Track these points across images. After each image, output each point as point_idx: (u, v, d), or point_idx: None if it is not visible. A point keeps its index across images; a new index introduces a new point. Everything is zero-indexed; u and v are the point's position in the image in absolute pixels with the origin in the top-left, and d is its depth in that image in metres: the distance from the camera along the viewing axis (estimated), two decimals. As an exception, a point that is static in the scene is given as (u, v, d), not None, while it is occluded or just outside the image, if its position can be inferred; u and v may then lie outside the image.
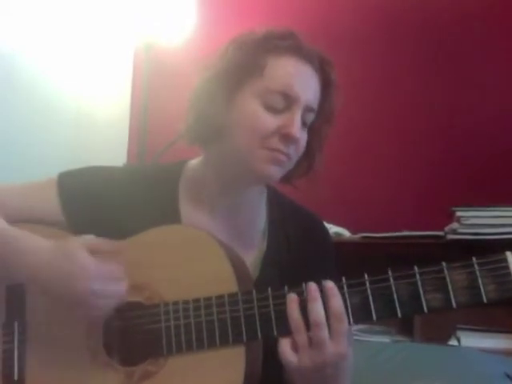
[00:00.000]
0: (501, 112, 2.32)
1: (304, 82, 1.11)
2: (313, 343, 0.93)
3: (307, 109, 1.11)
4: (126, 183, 1.18)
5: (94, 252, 1.01)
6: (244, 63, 1.10)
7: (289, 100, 1.09)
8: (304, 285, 0.96)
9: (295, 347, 0.94)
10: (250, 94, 1.10)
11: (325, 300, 0.94)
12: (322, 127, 1.18)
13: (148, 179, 1.20)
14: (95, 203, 1.15)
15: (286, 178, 1.18)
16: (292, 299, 0.95)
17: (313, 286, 0.95)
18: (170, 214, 1.17)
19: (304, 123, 1.12)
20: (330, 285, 0.95)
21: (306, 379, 0.96)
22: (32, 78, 2.32)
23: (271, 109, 1.09)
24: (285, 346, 0.95)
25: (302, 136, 1.11)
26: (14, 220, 1.12)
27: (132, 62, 2.88)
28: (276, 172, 1.11)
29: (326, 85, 1.15)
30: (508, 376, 1.57)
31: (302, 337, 0.94)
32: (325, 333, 0.92)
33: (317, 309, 0.93)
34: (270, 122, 1.09)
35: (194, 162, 1.23)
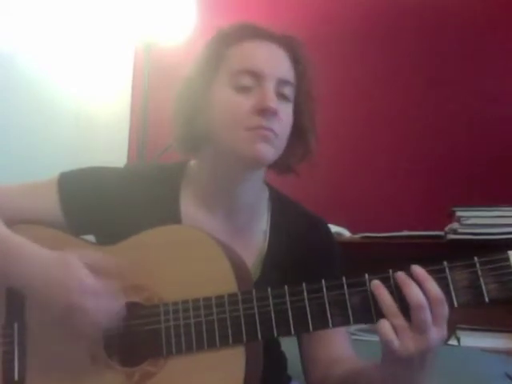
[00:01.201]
0: (501, 112, 2.31)
1: (268, 56, 1.12)
2: (415, 328, 0.87)
3: (281, 81, 1.11)
4: (127, 183, 1.18)
5: (92, 268, 1.00)
6: (209, 61, 1.13)
7: (256, 76, 1.10)
8: (391, 271, 0.91)
9: (396, 331, 0.89)
10: (221, 85, 1.12)
11: (419, 285, 0.89)
12: (307, 104, 1.18)
13: (149, 179, 1.20)
14: (95, 203, 1.15)
15: (286, 166, 1.18)
16: (378, 285, 0.90)
17: (401, 273, 0.90)
18: (170, 214, 1.17)
19: (283, 96, 1.12)
20: (418, 270, 0.90)
21: (405, 364, 0.90)
22: (32, 78, 2.31)
23: (242, 90, 1.10)
24: (385, 325, 0.89)
25: (281, 108, 1.10)
26: (14, 220, 1.11)
27: (132, 62, 2.88)
28: (266, 148, 1.09)
29: (296, 61, 1.16)
30: (508, 376, 1.56)
31: (400, 320, 0.88)
32: (428, 315, 0.87)
33: (415, 291, 0.88)
34: (244, 102, 1.09)
35: (195, 163, 1.23)
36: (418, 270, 0.90)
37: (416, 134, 2.41)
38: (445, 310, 0.89)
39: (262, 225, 1.22)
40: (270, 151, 1.10)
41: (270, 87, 1.09)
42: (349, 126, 2.41)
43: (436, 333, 0.88)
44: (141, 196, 1.17)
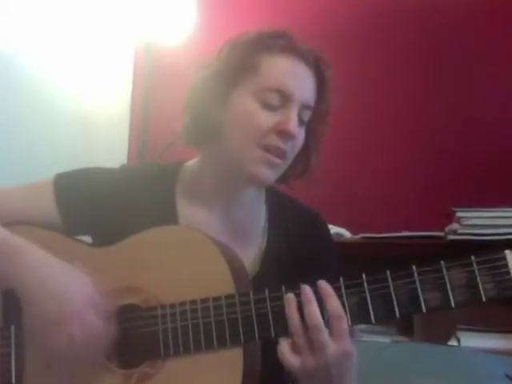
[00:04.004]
0: (501, 112, 2.31)
1: (299, 79, 1.12)
2: (314, 345, 0.91)
3: (304, 106, 1.12)
4: (123, 183, 1.18)
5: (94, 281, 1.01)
6: (238, 63, 1.11)
7: (284, 97, 1.09)
8: (301, 286, 0.94)
9: (297, 349, 0.92)
10: (246, 93, 1.10)
11: (321, 301, 0.92)
12: (318, 126, 1.18)
13: (145, 179, 1.20)
14: (92, 204, 1.15)
15: (282, 178, 1.18)
16: (290, 301, 0.93)
17: (306, 288, 0.93)
18: (167, 214, 1.17)
19: (301, 121, 1.12)
20: (323, 285, 0.93)
21: (311, 379, 0.93)
22: (32, 78, 2.31)
23: (267, 106, 1.09)
24: (284, 347, 0.93)
25: (299, 133, 1.12)
26: (12, 222, 1.11)
27: (132, 62, 2.88)
28: (268, 174, 1.11)
29: (321, 83, 1.16)
30: (508, 376, 1.57)
31: (301, 339, 0.92)
32: (324, 335, 0.90)
33: (312, 311, 0.91)
34: (267, 119, 1.09)
35: (192, 163, 1.23)
36: (323, 285, 0.93)
37: (416, 134, 2.41)
38: (344, 326, 0.91)
39: (260, 221, 1.22)
40: (273, 176, 1.12)
41: (295, 111, 1.10)
42: (348, 126, 2.40)
43: (335, 348, 0.90)
44: (137, 196, 1.17)
